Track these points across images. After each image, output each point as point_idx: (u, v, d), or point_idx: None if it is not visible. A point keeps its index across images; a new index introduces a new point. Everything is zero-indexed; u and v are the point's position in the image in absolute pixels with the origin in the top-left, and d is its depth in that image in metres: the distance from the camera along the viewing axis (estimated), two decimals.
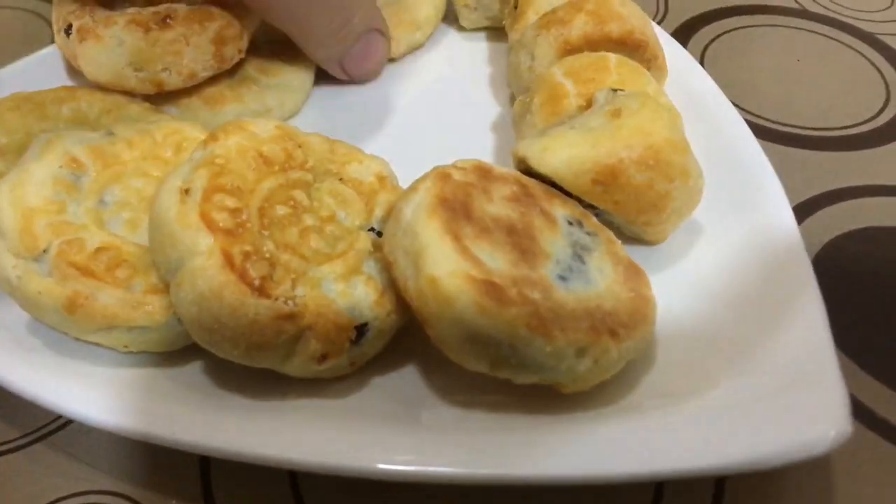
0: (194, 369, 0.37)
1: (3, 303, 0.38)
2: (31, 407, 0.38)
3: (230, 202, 0.35)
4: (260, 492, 0.37)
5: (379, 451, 0.33)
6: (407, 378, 0.37)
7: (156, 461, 0.37)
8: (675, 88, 0.48)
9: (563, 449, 0.33)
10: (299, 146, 0.39)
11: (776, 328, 0.38)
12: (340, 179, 0.39)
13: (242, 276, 0.33)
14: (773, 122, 0.55)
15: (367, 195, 0.39)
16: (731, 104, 0.49)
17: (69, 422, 0.39)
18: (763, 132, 0.54)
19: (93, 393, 0.35)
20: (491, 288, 0.32)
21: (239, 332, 0.33)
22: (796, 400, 0.34)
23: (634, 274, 0.38)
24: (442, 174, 0.36)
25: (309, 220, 0.37)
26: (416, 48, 0.57)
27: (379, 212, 0.39)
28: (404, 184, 0.39)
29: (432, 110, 0.54)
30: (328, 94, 0.54)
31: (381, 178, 0.40)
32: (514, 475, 0.32)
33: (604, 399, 0.36)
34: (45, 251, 0.35)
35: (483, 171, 0.38)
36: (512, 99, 0.53)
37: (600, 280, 0.36)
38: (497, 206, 0.36)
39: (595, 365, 0.33)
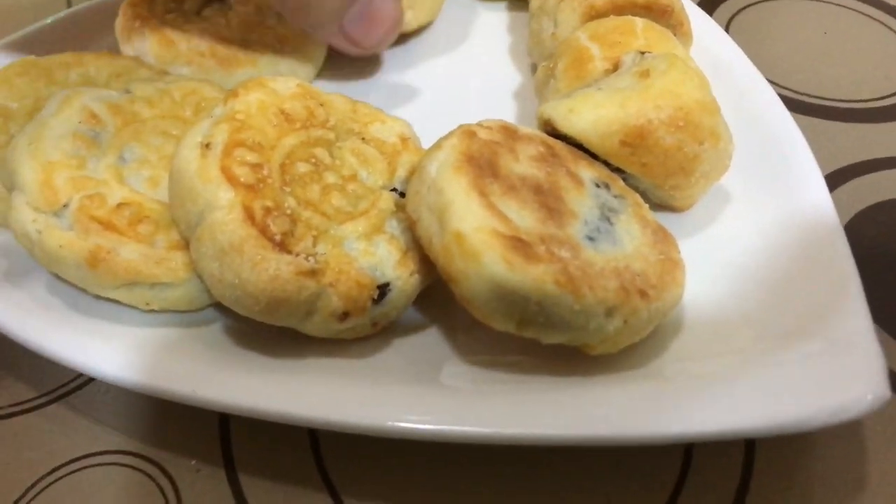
0: (215, 328, 0.36)
1: (22, 263, 0.38)
2: (48, 367, 0.38)
3: (251, 157, 0.34)
4: (280, 453, 0.36)
5: (397, 410, 0.32)
6: (428, 338, 0.37)
7: (175, 421, 0.37)
8: (701, 56, 0.47)
9: (589, 409, 0.32)
10: (321, 104, 0.38)
11: (810, 293, 0.37)
12: (363, 139, 0.38)
13: (263, 231, 0.32)
14: (800, 93, 0.54)
15: (389, 155, 0.38)
16: (758, 72, 0.48)
17: (86, 382, 0.39)
18: (790, 103, 0.53)
19: (113, 350, 0.34)
20: (518, 244, 0.31)
21: (259, 287, 0.32)
22: (832, 363, 0.33)
23: (663, 237, 0.37)
24: (468, 131, 0.35)
25: (331, 178, 0.36)
26: (432, 19, 0.57)
27: (402, 172, 0.38)
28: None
29: (451, 80, 0.53)
30: (342, 68, 0.53)
31: (404, 139, 0.39)
32: (537, 434, 0.32)
33: (631, 362, 0.35)
34: (65, 206, 0.34)
35: (509, 131, 0.37)
36: (532, 68, 0.52)
37: (628, 242, 0.36)
38: (523, 165, 0.36)
39: (625, 325, 0.33)
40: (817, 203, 0.41)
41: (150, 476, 0.35)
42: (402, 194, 0.38)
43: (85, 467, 0.36)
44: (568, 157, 0.38)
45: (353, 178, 0.37)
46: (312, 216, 0.34)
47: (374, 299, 0.34)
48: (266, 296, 0.32)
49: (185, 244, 0.35)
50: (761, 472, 0.35)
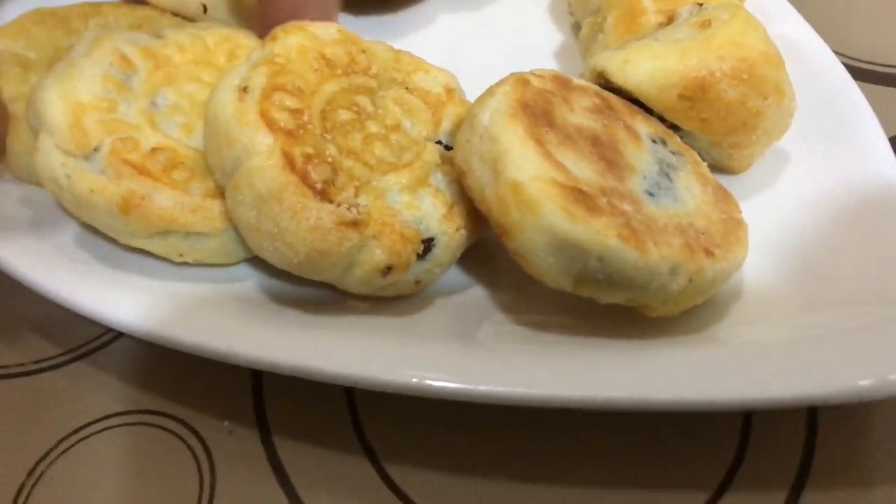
0: (250, 284, 0.34)
1: (47, 215, 0.36)
2: (73, 323, 0.36)
3: (291, 102, 0.32)
4: (316, 416, 0.34)
5: (437, 369, 0.30)
6: (472, 297, 0.35)
7: (206, 381, 0.35)
8: (756, 14, 0.45)
9: (645, 372, 0.30)
10: (363, 51, 0.36)
11: (874, 259, 0.35)
12: (406, 88, 0.36)
13: (304, 179, 0.30)
14: (855, 59, 0.52)
15: (434, 106, 0.36)
16: (814, 32, 0.46)
17: (112, 340, 0.37)
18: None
19: (144, 304, 0.32)
20: (579, 194, 0.29)
21: (300, 237, 0.30)
22: None
23: (724, 196, 0.35)
24: (521, 79, 0.33)
25: (373, 128, 0.34)
26: None
27: (447, 124, 0.36)
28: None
29: (489, 41, 0.50)
30: (367, 27, 0.50)
31: (450, 91, 0.37)
32: (589, 398, 0.29)
33: (687, 326, 0.33)
34: (95, 149, 0.32)
35: (562, 80, 0.35)
36: (573, 27, 0.50)
37: (689, 199, 0.34)
38: (579, 116, 0.34)
39: (689, 285, 0.31)
40: (882, 166, 0.39)
41: (179, 436, 0.34)
42: (448, 147, 0.35)
43: (111, 427, 0.34)
44: (623, 110, 0.36)
45: (397, 127, 0.35)
46: (354, 165, 0.32)
47: (418, 254, 0.32)
48: (306, 246, 0.30)
49: (221, 193, 0.33)
50: (825, 442, 0.34)
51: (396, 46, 0.39)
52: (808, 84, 0.42)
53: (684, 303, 0.32)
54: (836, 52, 0.44)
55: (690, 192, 0.34)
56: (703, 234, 0.32)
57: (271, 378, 0.35)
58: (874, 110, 0.40)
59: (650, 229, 0.30)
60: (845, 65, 0.43)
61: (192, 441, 0.33)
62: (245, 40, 0.39)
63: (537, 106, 0.32)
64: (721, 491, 0.32)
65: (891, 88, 0.50)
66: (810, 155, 0.40)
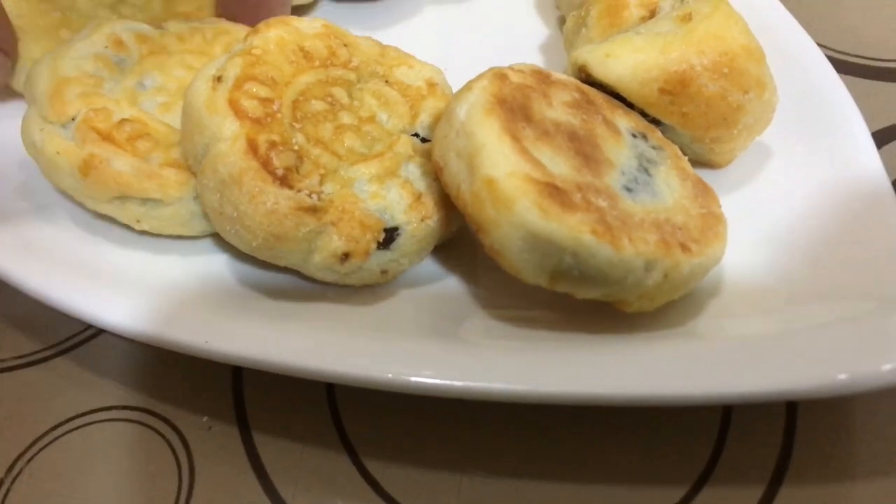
0: (229, 279, 0.35)
1: (26, 213, 0.36)
2: (53, 319, 0.36)
3: (262, 91, 0.33)
4: (296, 412, 0.34)
5: (418, 365, 0.30)
6: (451, 292, 0.35)
7: (186, 377, 0.35)
8: (740, 8, 0.45)
9: (623, 366, 0.30)
10: (345, 45, 0.36)
11: (856, 252, 0.35)
12: (386, 81, 0.36)
13: (265, 164, 0.31)
14: (840, 52, 0.52)
15: (413, 99, 0.36)
16: (798, 25, 0.46)
17: (92, 336, 0.37)
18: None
19: (122, 300, 0.32)
20: (554, 190, 0.29)
21: (256, 220, 0.31)
22: (879, 325, 0.31)
23: (704, 191, 0.35)
24: (499, 74, 0.33)
25: (346, 118, 0.34)
26: None
27: (425, 118, 0.36)
28: None
29: (474, 34, 0.50)
30: (353, 19, 0.50)
31: (432, 85, 0.37)
32: (566, 393, 0.30)
33: (666, 321, 0.33)
34: (73, 119, 0.34)
35: (542, 75, 0.35)
36: (560, 21, 0.50)
37: (668, 195, 0.33)
38: (557, 111, 0.34)
39: (665, 280, 0.31)
40: (865, 160, 0.38)
41: (159, 432, 0.34)
42: (425, 140, 0.36)
43: (91, 423, 0.34)
44: (604, 104, 0.36)
45: (371, 119, 0.35)
46: (322, 154, 0.33)
47: (380, 243, 0.32)
48: (263, 230, 0.31)
49: (189, 171, 0.34)
50: (803, 437, 0.34)
51: (381, 38, 0.39)
52: (792, 77, 0.42)
53: (660, 298, 0.31)
54: (821, 45, 0.44)
55: (669, 186, 0.34)
56: (681, 229, 0.32)
57: (251, 374, 0.35)
58: (858, 104, 0.40)
59: (626, 225, 0.30)
60: (829, 58, 0.43)
61: (172, 437, 0.34)
62: (242, 34, 0.39)
63: (515, 101, 0.32)
64: (699, 485, 0.32)
65: (875, 81, 0.50)
66: (793, 149, 0.40)
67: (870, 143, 0.39)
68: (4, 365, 0.36)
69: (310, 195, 0.31)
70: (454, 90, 0.35)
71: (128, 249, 0.36)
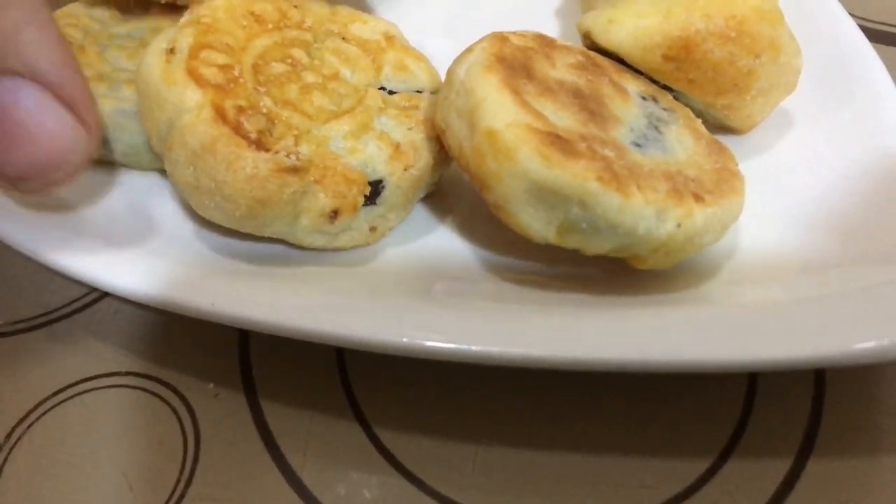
0: (230, 241, 0.34)
1: None
2: (54, 283, 0.35)
3: (219, 58, 0.32)
4: (305, 378, 0.33)
5: (429, 328, 0.29)
6: (456, 256, 0.34)
7: (191, 343, 0.34)
8: None
9: (643, 331, 0.29)
10: (295, 6, 0.36)
11: (884, 220, 0.34)
12: (343, 39, 0.36)
13: (237, 129, 0.30)
14: (868, 20, 0.50)
15: (373, 52, 0.36)
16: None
17: (94, 301, 0.36)
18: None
19: (125, 262, 0.32)
20: (556, 139, 0.28)
21: (238, 188, 0.29)
22: None
23: (719, 149, 0.34)
24: (499, 36, 0.33)
25: (310, 78, 0.34)
26: None
27: (388, 70, 0.36)
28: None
29: (487, 3, 0.49)
30: None
31: (389, 38, 0.37)
32: (586, 358, 0.28)
33: (683, 286, 0.32)
34: None
35: (544, 40, 0.34)
36: None
37: (680, 151, 0.32)
38: (561, 71, 0.33)
39: (678, 230, 0.29)
40: (892, 127, 0.37)
41: (164, 399, 0.33)
42: (391, 92, 0.35)
43: (93, 389, 0.33)
44: (610, 68, 0.35)
45: (335, 76, 0.35)
46: (292, 115, 0.32)
47: (366, 196, 0.32)
48: (246, 197, 0.30)
49: (160, 159, 0.33)
50: (832, 408, 0.32)
51: (388, 7, 0.39)
52: (819, 43, 0.41)
53: (676, 253, 0.30)
54: (853, 16, 0.42)
55: (682, 144, 0.33)
56: (693, 180, 0.31)
57: (258, 340, 0.34)
58: (891, 73, 0.39)
59: (634, 174, 0.29)
60: (862, 27, 0.41)
61: (177, 404, 0.33)
62: None
63: (516, 60, 0.32)
64: (724, 457, 0.31)
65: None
66: (819, 115, 0.39)
67: None
68: (2, 330, 0.35)
69: (288, 156, 0.30)
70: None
71: (131, 212, 0.35)
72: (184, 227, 0.34)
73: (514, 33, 0.34)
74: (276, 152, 0.30)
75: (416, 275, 0.33)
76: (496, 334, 0.29)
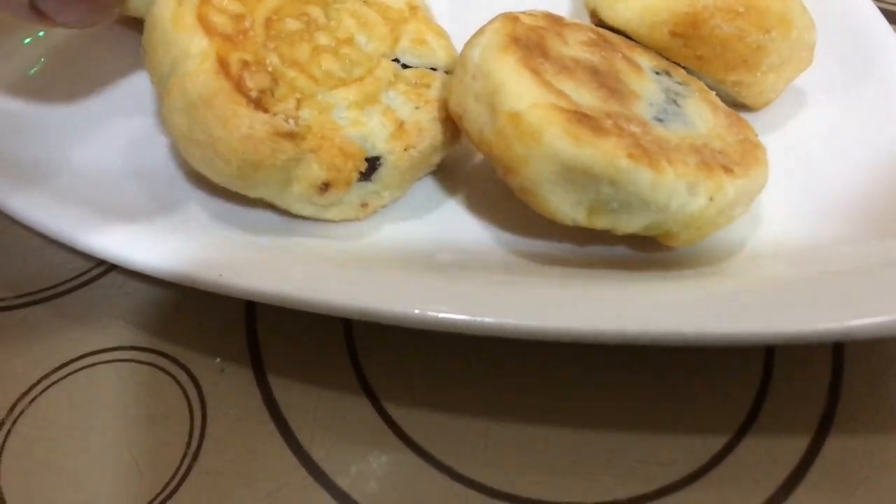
0: (238, 214, 0.33)
1: (33, 149, 0.34)
2: (59, 257, 0.34)
3: (233, 7, 0.31)
4: (311, 353, 0.33)
5: (439, 300, 0.28)
6: (472, 229, 0.34)
7: (197, 317, 0.34)
8: None
9: (657, 303, 0.28)
10: None
11: None
12: (365, 2, 0.35)
13: (238, 86, 0.29)
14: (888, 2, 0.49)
15: (393, 22, 0.35)
16: None
17: (99, 275, 0.35)
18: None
19: (131, 234, 0.31)
20: (583, 118, 0.28)
21: (231, 147, 0.29)
22: None
23: (737, 121, 0.33)
24: (510, 16, 0.32)
25: (323, 40, 0.33)
26: None
27: (406, 43, 0.35)
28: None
29: None
30: None
31: (413, 7, 0.36)
32: (603, 330, 0.27)
33: (703, 261, 0.32)
34: None
35: (554, 19, 0.34)
36: None
37: (701, 124, 0.32)
38: (574, 49, 0.32)
39: (710, 204, 0.29)
40: None
41: (170, 374, 0.32)
42: (405, 66, 0.34)
43: (98, 363, 0.32)
44: (622, 44, 0.35)
45: (349, 41, 0.33)
46: (298, 77, 0.31)
47: (361, 173, 0.31)
48: (238, 157, 0.29)
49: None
50: (850, 385, 0.32)
51: None
52: (835, 17, 0.40)
53: (706, 227, 0.30)
54: None
55: (702, 117, 0.32)
56: (720, 153, 0.30)
57: (265, 314, 0.33)
58: None
59: (662, 149, 0.29)
60: (882, 10, 0.41)
61: (183, 378, 0.32)
62: None
63: (530, 39, 0.31)
64: (741, 434, 0.30)
65: None
66: (834, 91, 0.39)
67: None
68: (6, 304, 0.34)
69: (286, 120, 0.29)
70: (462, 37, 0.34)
71: (137, 184, 0.34)
72: (191, 200, 0.33)
73: (524, 13, 0.33)
74: (275, 114, 0.29)
75: (423, 249, 0.33)
76: (510, 306, 0.28)
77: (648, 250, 0.32)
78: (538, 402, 0.31)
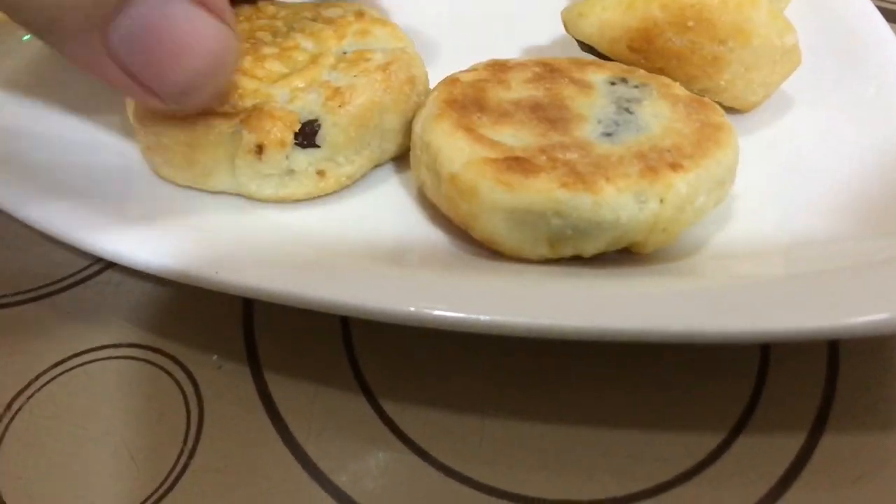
0: (231, 212, 0.34)
1: (30, 147, 0.35)
2: (56, 255, 0.35)
3: None
4: (309, 351, 0.33)
5: (435, 297, 0.28)
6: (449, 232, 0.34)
7: (194, 314, 0.34)
8: None
9: (647, 301, 0.28)
10: (274, 5, 0.39)
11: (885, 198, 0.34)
12: (313, 20, 0.37)
13: None
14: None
15: (339, 26, 0.37)
16: None
17: (96, 273, 0.35)
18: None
19: (127, 231, 0.31)
20: (512, 162, 0.30)
21: (171, 135, 0.32)
22: None
23: (699, 106, 0.34)
24: (450, 80, 0.35)
25: (268, 50, 0.35)
26: None
27: (350, 38, 0.36)
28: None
29: None
30: None
31: (360, 14, 0.38)
32: (595, 327, 0.27)
33: (689, 264, 0.32)
34: None
35: (498, 65, 0.36)
36: None
37: (655, 124, 0.33)
38: (516, 90, 0.35)
39: (663, 206, 0.29)
40: None
41: (166, 371, 0.32)
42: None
43: (95, 360, 0.33)
44: (571, 68, 0.36)
45: (295, 47, 0.36)
46: (241, 79, 0.33)
47: (301, 138, 0.32)
48: (179, 143, 0.32)
49: None
50: (845, 384, 0.32)
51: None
52: (831, 21, 0.41)
53: (672, 227, 0.30)
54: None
55: (657, 115, 0.34)
56: (669, 150, 0.31)
57: (262, 311, 0.34)
58: None
59: (601, 167, 0.30)
60: (882, 9, 0.41)
61: (180, 375, 0.32)
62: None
63: (467, 97, 0.33)
64: (737, 431, 0.31)
65: None
66: (826, 92, 0.40)
67: None
68: (5, 301, 0.34)
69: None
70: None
71: (134, 181, 0.34)
72: (186, 198, 0.34)
73: (466, 71, 0.35)
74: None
75: (413, 247, 0.33)
76: (504, 303, 0.28)
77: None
78: (533, 398, 0.32)
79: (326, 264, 0.30)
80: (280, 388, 0.32)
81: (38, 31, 0.26)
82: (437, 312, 0.28)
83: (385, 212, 0.35)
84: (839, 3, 0.43)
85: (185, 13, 0.26)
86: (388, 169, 0.37)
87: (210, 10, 0.26)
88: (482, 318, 0.28)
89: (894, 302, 0.27)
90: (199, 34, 0.26)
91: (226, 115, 0.31)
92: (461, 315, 0.28)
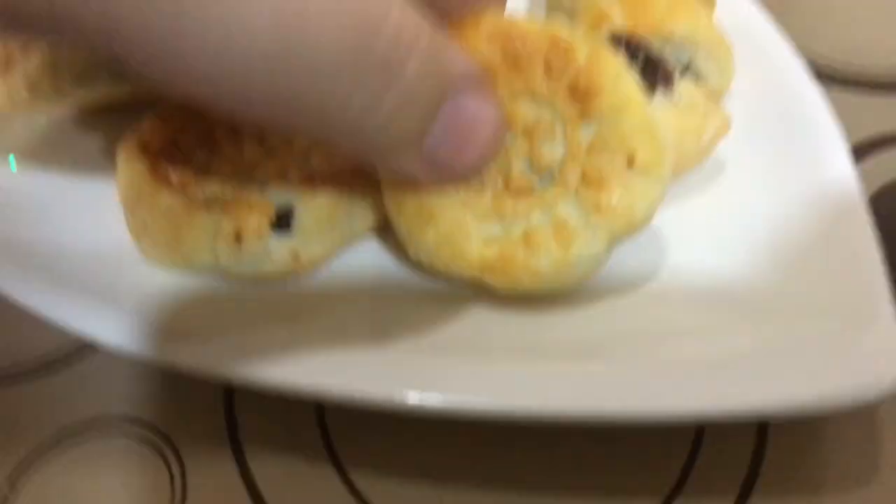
0: (218, 297, 0.35)
1: (26, 225, 0.36)
2: (42, 333, 0.37)
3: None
4: (285, 427, 0.36)
5: (407, 382, 0.30)
6: (436, 307, 0.35)
7: (180, 392, 0.36)
8: (725, 20, 0.44)
9: (591, 384, 0.30)
10: None
11: (827, 269, 0.34)
12: None
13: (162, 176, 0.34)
14: (825, 57, 0.51)
15: None
16: (781, 37, 0.46)
17: (76, 351, 0.38)
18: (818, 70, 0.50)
19: (109, 316, 0.33)
20: None
21: (157, 225, 0.34)
22: (850, 343, 0.31)
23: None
24: None
25: (248, 140, 0.36)
26: None
27: None
28: None
29: None
30: None
31: None
32: (545, 410, 0.29)
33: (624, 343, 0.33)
34: None
35: None
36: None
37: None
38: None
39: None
40: (839, 173, 0.38)
41: (155, 448, 0.35)
42: None
43: (83, 438, 0.35)
44: None
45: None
46: (221, 165, 0.35)
47: (277, 223, 0.34)
48: (164, 235, 0.34)
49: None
50: (773, 457, 0.34)
51: None
52: (769, 87, 0.42)
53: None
54: (815, 56, 0.43)
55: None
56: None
57: (242, 391, 0.36)
58: (847, 114, 0.39)
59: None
60: (825, 66, 0.42)
61: (167, 452, 0.35)
62: None
63: None
64: (671, 498, 0.33)
65: (854, 89, 0.50)
66: (765, 158, 0.39)
67: (845, 155, 0.38)
68: None
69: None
70: None
71: (113, 261, 0.36)
72: (170, 279, 0.35)
73: None
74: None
75: (402, 326, 0.34)
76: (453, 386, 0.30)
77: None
78: (488, 472, 0.34)
79: (303, 350, 0.32)
80: (258, 463, 0.34)
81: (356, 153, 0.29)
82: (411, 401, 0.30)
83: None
84: (763, 61, 0.44)
85: (474, 102, 0.28)
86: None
87: (483, 90, 0.28)
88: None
89: (827, 380, 0.30)
90: (485, 120, 0.28)
91: (206, 206, 0.33)
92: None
